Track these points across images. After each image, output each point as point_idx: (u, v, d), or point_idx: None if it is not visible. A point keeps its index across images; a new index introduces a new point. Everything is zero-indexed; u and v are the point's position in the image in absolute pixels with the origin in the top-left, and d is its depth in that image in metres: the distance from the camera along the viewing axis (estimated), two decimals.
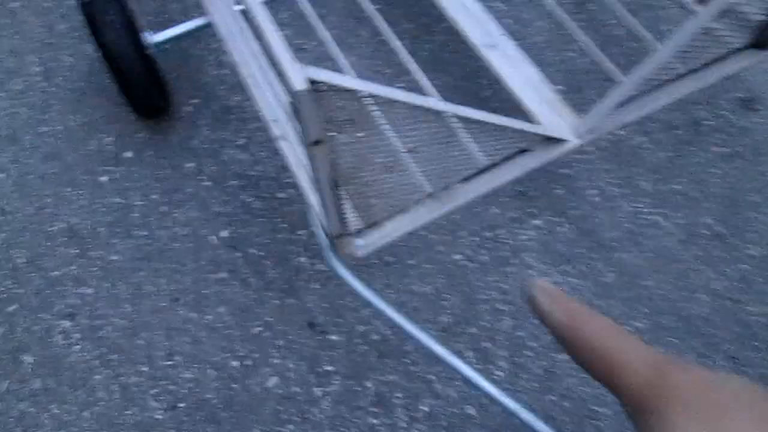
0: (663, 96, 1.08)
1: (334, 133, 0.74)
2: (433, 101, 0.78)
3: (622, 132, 1.22)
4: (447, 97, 1.24)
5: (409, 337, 0.86)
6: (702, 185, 1.17)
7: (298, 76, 0.61)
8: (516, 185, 1.17)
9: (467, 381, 0.85)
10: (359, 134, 0.78)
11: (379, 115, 0.81)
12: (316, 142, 0.68)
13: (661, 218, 1.14)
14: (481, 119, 0.86)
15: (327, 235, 0.91)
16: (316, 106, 0.63)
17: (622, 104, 1.06)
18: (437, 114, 0.85)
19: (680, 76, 1.10)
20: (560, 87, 1.26)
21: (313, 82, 0.62)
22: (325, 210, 0.83)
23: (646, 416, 0.24)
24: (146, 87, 1.10)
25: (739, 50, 1.13)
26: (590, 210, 1.14)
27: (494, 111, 1.24)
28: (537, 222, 1.13)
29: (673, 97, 1.09)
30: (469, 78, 1.27)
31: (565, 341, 0.27)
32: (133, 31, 1.08)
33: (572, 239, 1.12)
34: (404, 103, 0.75)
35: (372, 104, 0.75)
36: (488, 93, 1.26)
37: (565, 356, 0.97)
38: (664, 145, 1.20)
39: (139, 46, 1.09)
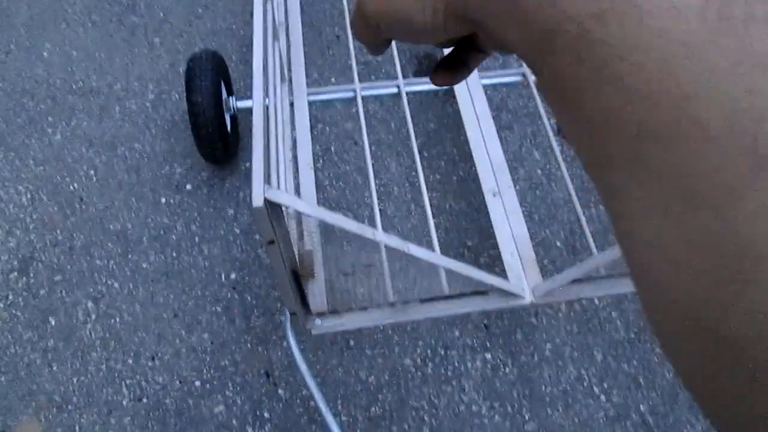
0: (629, 285, 1.19)
1: (293, 232, 0.94)
2: (380, 234, 0.96)
3: (597, 302, 1.32)
4: (456, 221, 1.41)
5: (320, 415, 1.03)
6: (652, 375, 1.25)
7: (258, 194, 0.81)
8: (484, 318, 1.30)
9: None
10: (315, 243, 0.98)
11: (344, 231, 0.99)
12: (270, 243, 0.88)
13: (599, 391, 1.23)
14: (426, 258, 1.02)
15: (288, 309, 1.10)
16: (268, 218, 0.83)
17: (587, 279, 1.19)
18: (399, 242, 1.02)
19: None
20: (558, 244, 1.39)
21: (269, 201, 0.82)
22: (283, 292, 1.02)
23: None
24: (212, 142, 1.36)
25: None
26: (538, 362, 1.26)
27: (493, 246, 1.39)
28: (487, 356, 1.26)
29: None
30: (482, 211, 1.43)
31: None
32: (217, 97, 1.35)
33: (511, 381, 1.23)
34: (350, 232, 0.93)
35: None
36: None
37: None
38: (631, 327, 1.30)
39: (219, 109, 1.35)
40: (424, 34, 0.29)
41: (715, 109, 0.18)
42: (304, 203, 0.86)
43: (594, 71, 0.21)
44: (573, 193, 1.28)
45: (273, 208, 0.85)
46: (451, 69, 0.35)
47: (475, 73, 1.46)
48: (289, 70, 1.51)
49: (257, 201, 0.81)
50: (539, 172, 1.50)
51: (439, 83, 0.35)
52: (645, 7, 0.19)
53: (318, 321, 1.14)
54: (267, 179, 0.87)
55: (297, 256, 1.06)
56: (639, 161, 0.19)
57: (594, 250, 1.21)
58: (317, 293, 1.14)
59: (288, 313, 1.11)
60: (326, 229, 1.28)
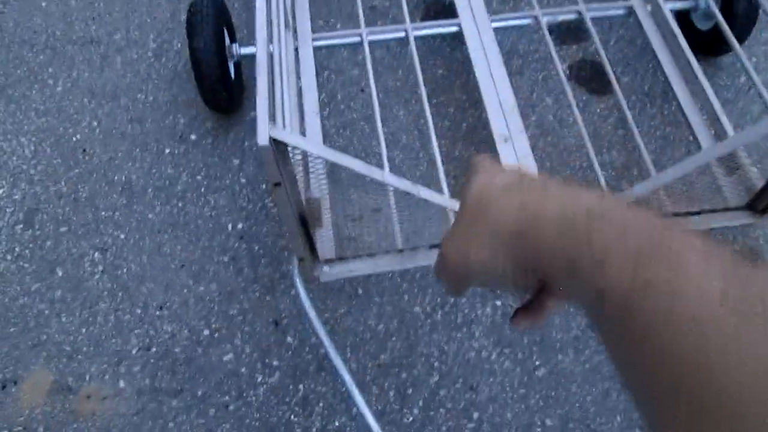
0: None
1: (300, 177, 0.92)
2: (389, 176, 0.93)
3: None
4: (465, 168, 1.39)
5: (330, 360, 1.02)
6: None
7: (263, 133, 0.78)
8: None
9: (358, 412, 1.00)
10: (322, 184, 0.95)
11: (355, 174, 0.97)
12: (276, 185, 0.85)
13: None
14: (434, 201, 1.00)
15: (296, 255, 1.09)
16: (274, 158, 0.81)
17: None
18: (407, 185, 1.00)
19: (667, 216, 1.18)
20: None
21: (275, 140, 0.80)
22: (290, 237, 1.00)
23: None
24: (216, 90, 1.33)
25: (733, 209, 1.19)
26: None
27: None
28: (497, 302, 1.25)
29: None
30: (494, 157, 1.40)
31: None
32: (220, 43, 1.31)
33: None
34: (356, 172, 0.90)
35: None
36: None
37: (471, 424, 1.10)
38: None
39: (222, 55, 1.31)
40: (499, 284, 0.36)
41: (739, 378, 0.22)
42: (310, 142, 0.84)
43: (635, 335, 0.26)
44: (586, 138, 1.24)
45: (279, 147, 0.83)
46: (530, 312, 0.40)
47: (485, 16, 1.42)
48: (294, 17, 1.47)
49: (262, 140, 0.79)
50: (551, 117, 1.46)
51: (520, 326, 0.40)
52: (676, 287, 0.25)
53: (326, 268, 1.12)
54: (272, 119, 0.84)
55: (304, 204, 1.04)
56: (675, 420, 0.24)
57: None
58: (325, 240, 1.12)
59: (296, 259, 1.10)
60: (334, 175, 1.25)
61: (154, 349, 1.22)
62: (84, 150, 1.44)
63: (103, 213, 1.36)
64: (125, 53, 1.58)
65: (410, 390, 1.17)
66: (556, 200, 0.33)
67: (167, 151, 1.44)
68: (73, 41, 1.60)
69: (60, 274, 1.30)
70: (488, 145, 1.41)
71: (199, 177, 1.40)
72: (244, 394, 1.18)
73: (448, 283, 0.40)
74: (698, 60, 1.30)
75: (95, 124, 1.48)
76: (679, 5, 1.46)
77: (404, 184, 0.96)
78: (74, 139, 1.46)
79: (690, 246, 0.26)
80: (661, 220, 0.29)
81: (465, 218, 0.38)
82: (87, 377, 1.20)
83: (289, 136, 0.81)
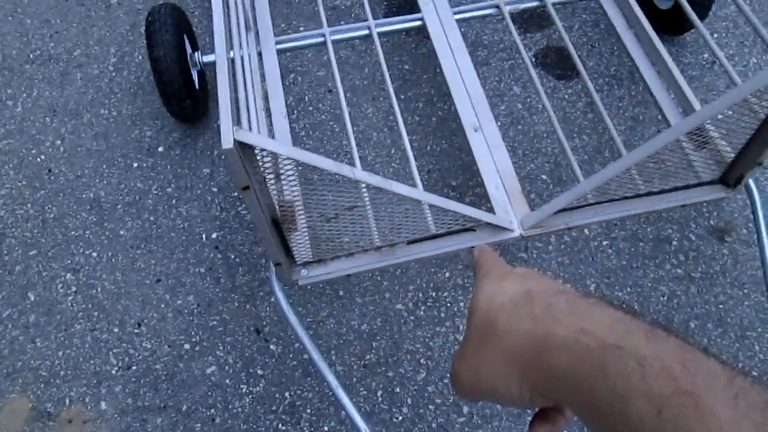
0: (617, 210, 1.16)
1: (271, 180, 0.90)
2: (359, 172, 0.92)
3: (587, 232, 1.30)
4: (438, 162, 1.38)
5: (313, 363, 1.01)
6: (645, 300, 1.23)
7: (228, 135, 0.77)
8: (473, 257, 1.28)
9: (346, 413, 0.98)
10: (293, 186, 0.94)
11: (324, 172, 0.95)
12: (244, 188, 0.84)
13: None
14: (408, 195, 0.99)
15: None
16: (240, 161, 0.79)
17: (575, 207, 1.16)
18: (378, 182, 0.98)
19: (640, 195, 1.18)
20: (544, 177, 1.36)
21: (240, 142, 0.78)
22: (264, 242, 0.98)
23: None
24: (180, 99, 1.30)
25: (706, 183, 1.20)
26: None
27: (479, 184, 1.35)
28: None
29: (628, 214, 1.17)
30: (464, 149, 1.39)
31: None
32: (181, 51, 1.29)
33: None
34: (327, 172, 0.89)
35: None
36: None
37: (462, 419, 1.09)
38: (622, 254, 1.28)
39: (183, 63, 1.29)
40: (511, 405, 0.36)
41: None
42: (276, 143, 0.82)
43: None
44: (556, 124, 1.24)
45: (244, 150, 0.81)
46: (547, 422, 0.38)
47: (447, 8, 1.41)
48: (255, 21, 1.45)
49: (227, 143, 0.77)
50: (520, 106, 1.46)
51: None
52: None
53: (304, 271, 1.10)
54: (237, 121, 0.82)
55: (278, 208, 1.02)
56: None
57: (581, 177, 1.19)
58: (301, 243, 1.11)
59: (272, 264, 1.08)
60: (306, 177, 1.24)
61: (134, 368, 1.19)
62: (49, 170, 1.41)
63: (73, 233, 1.33)
64: (85, 69, 1.55)
65: (398, 388, 1.16)
66: (566, 324, 0.32)
67: (135, 165, 1.41)
68: (30, 60, 1.57)
69: (32, 298, 1.27)
70: (459, 137, 1.41)
71: (169, 189, 1.37)
72: (230, 406, 1.15)
73: (462, 397, 0.41)
74: (661, 39, 1.31)
75: (59, 142, 1.44)
76: None
77: (375, 180, 0.94)
78: (38, 159, 1.42)
79: (716, 390, 0.26)
80: (681, 348, 0.28)
81: (473, 338, 0.37)
82: (67, 401, 1.17)
83: (254, 137, 0.79)
